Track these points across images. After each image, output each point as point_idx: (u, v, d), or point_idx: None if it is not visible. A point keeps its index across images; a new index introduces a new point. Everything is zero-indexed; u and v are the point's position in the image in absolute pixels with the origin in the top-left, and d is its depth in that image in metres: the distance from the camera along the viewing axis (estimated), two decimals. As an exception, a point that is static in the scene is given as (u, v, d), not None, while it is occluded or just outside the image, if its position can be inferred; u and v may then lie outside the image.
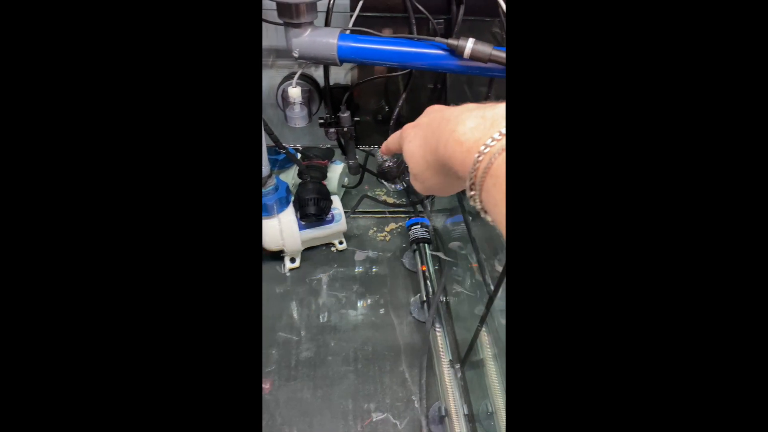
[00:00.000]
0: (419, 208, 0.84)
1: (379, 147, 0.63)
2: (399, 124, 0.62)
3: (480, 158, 0.18)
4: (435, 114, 0.24)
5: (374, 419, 0.57)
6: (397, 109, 0.57)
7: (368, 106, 0.61)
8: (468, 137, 0.20)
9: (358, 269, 0.77)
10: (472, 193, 0.20)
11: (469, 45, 0.41)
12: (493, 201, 0.18)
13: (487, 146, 0.18)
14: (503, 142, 0.18)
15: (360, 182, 0.73)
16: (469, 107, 0.21)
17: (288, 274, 0.75)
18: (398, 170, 0.58)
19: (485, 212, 0.20)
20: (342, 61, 0.45)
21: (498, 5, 0.46)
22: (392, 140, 0.31)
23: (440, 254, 0.73)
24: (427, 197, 0.83)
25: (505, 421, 0.48)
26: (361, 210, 0.85)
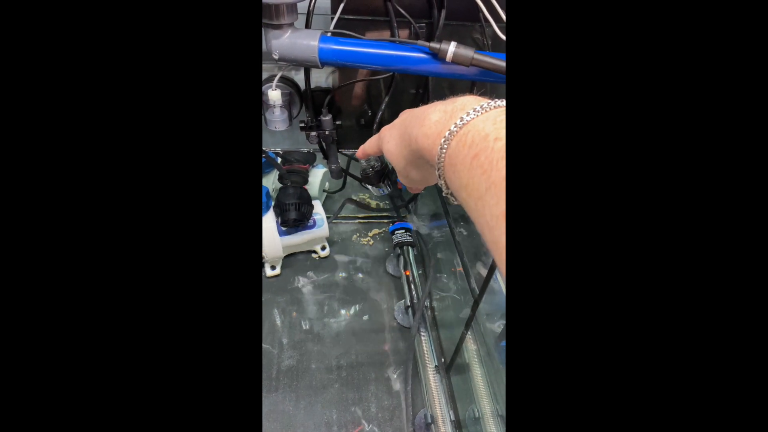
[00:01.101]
0: (403, 212, 0.84)
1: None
2: (381, 128, 0.61)
3: (443, 149, 0.20)
4: (407, 114, 0.27)
5: (359, 428, 0.56)
6: (380, 113, 0.57)
7: (350, 110, 0.61)
8: (433, 130, 0.22)
9: (341, 275, 0.75)
10: (441, 181, 0.22)
11: (452, 48, 0.40)
12: (455, 186, 0.20)
13: (446, 138, 0.20)
14: (460, 130, 0.20)
15: (342, 187, 0.72)
16: (435, 104, 0.23)
17: (269, 281, 0.73)
18: (382, 174, 0.57)
19: (453, 196, 0.22)
20: (323, 64, 0.44)
21: (479, 10, 0.46)
22: (369, 144, 0.33)
23: (430, 259, 0.72)
24: (411, 201, 0.83)
25: (491, 425, 0.47)
26: (343, 215, 0.84)
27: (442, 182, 0.22)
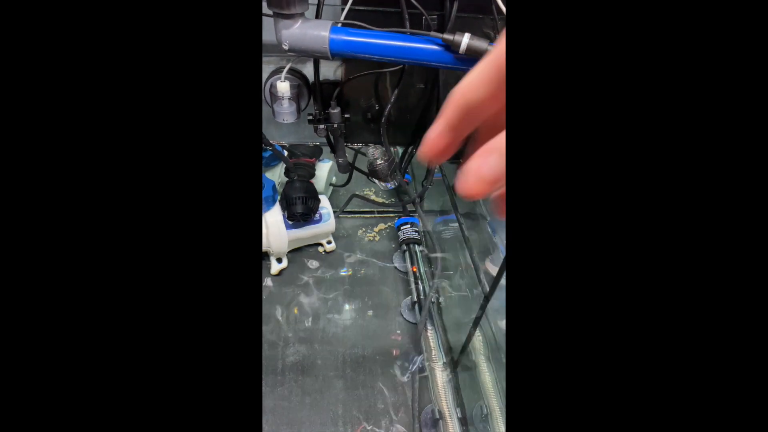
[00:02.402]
0: (410, 207, 0.83)
1: (367, 145, 0.62)
2: (389, 122, 0.61)
3: None
4: None
5: (365, 425, 0.56)
6: (388, 107, 0.56)
7: (358, 103, 0.60)
8: None
9: (347, 270, 0.75)
10: None
11: (465, 40, 0.40)
12: None
13: None
14: None
15: (349, 181, 0.72)
16: None
17: (274, 275, 0.73)
18: (389, 169, 0.56)
19: None
20: (334, 55, 0.44)
21: (492, 2, 0.46)
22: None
23: (438, 255, 0.72)
24: (418, 196, 0.82)
25: (500, 423, 0.47)
26: (349, 210, 0.83)
27: None
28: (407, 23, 0.49)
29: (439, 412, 0.54)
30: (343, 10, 0.48)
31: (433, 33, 0.42)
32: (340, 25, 0.44)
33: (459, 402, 0.55)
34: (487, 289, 0.46)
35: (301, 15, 0.42)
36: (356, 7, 0.48)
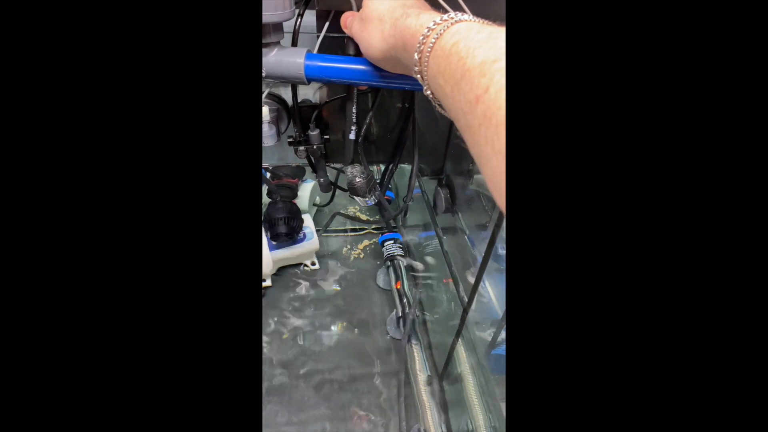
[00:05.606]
0: (392, 223, 0.84)
1: (348, 164, 0.63)
2: (370, 141, 0.62)
3: (428, 33, 0.21)
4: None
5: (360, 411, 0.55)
6: (364, 127, 0.58)
7: (337, 125, 0.62)
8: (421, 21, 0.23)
9: (332, 288, 0.75)
10: (417, 67, 0.22)
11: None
12: (432, 72, 0.21)
13: (429, 30, 0.21)
14: (445, 24, 0.20)
15: (331, 200, 0.73)
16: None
17: (259, 296, 0.73)
18: (368, 185, 0.58)
19: (437, 101, 0.22)
20: (309, 80, 0.46)
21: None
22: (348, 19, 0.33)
23: (420, 269, 0.73)
24: (400, 213, 0.84)
25: (484, 436, 0.47)
26: (333, 228, 0.84)
27: (418, 67, 0.22)
28: (380, 48, 0.51)
29: (425, 430, 0.54)
30: (318, 37, 0.50)
31: (403, 58, 0.44)
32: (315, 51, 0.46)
33: (444, 417, 0.55)
34: (466, 301, 0.47)
35: (277, 43, 0.44)
36: (331, 34, 0.50)
